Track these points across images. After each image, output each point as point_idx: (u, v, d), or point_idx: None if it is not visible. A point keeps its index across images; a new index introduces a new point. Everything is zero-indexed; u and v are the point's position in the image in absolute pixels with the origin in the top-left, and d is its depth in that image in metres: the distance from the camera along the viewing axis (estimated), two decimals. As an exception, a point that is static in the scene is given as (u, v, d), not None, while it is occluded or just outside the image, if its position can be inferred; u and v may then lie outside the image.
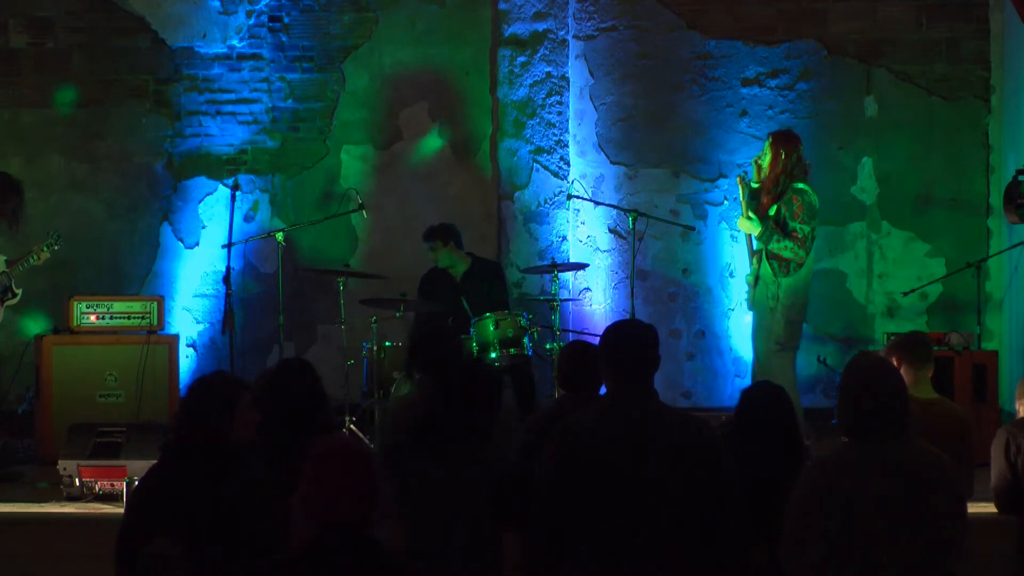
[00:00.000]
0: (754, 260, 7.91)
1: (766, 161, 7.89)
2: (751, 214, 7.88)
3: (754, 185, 7.98)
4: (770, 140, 7.96)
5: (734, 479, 4.26)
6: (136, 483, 4.35)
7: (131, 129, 9.68)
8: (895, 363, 5.69)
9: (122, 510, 4.90)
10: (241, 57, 9.69)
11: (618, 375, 4.34)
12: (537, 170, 9.51)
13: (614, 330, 4.49)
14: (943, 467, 4.21)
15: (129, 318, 8.68)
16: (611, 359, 4.37)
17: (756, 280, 7.87)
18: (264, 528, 4.02)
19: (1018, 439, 5.88)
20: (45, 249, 8.27)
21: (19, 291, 8.21)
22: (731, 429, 4.77)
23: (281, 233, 8.63)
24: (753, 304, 7.98)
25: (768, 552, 4.43)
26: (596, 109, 9.62)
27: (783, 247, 7.71)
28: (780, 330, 7.75)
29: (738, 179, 8.16)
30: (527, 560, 4.37)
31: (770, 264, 7.76)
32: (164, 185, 9.69)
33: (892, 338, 6.66)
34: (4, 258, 8.13)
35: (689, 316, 9.63)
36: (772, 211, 7.77)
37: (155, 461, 4.38)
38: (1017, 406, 6.18)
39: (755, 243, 7.91)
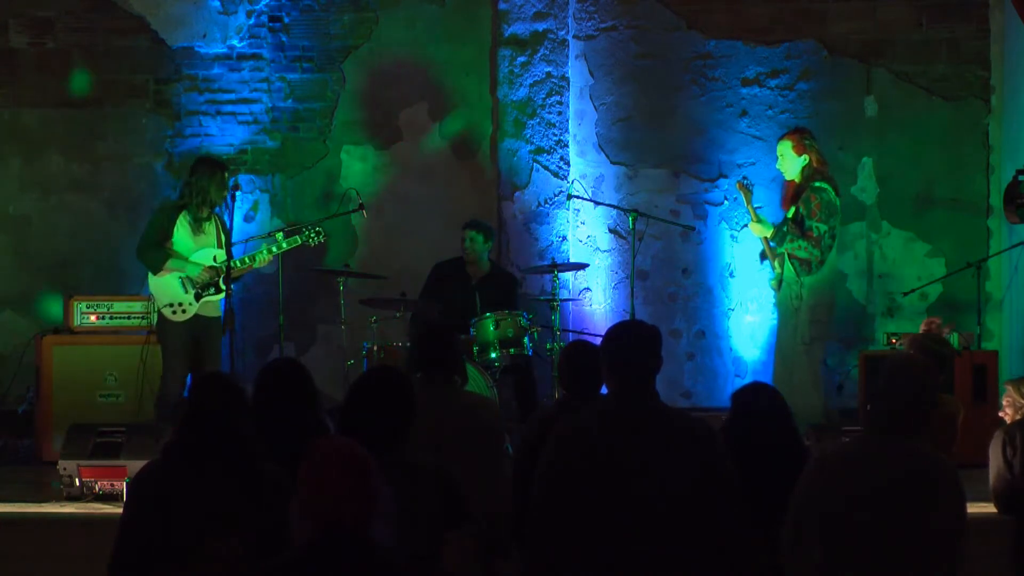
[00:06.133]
0: (776, 263, 7.92)
1: (792, 165, 7.86)
2: (760, 216, 7.88)
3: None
4: (791, 143, 7.92)
5: (734, 479, 4.26)
6: (136, 482, 4.31)
7: (131, 129, 9.68)
8: None
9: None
10: (241, 57, 9.69)
11: (619, 375, 4.34)
12: (537, 170, 9.51)
13: (616, 331, 4.49)
14: (948, 471, 4.21)
15: (129, 318, 8.67)
16: (612, 359, 4.37)
17: (780, 283, 7.88)
18: (278, 525, 4.00)
19: (1015, 440, 5.91)
20: (266, 252, 8.22)
21: (224, 287, 8.09)
22: (725, 432, 4.74)
23: (281, 233, 8.63)
24: (778, 306, 8.01)
25: (768, 553, 4.44)
26: (596, 109, 9.62)
27: (797, 247, 7.74)
28: (805, 329, 7.79)
29: (738, 185, 8.17)
30: (526, 561, 4.37)
31: (792, 264, 7.77)
32: (164, 185, 9.68)
33: (926, 338, 6.59)
34: (216, 253, 8.09)
35: (689, 316, 9.63)
36: (791, 212, 7.79)
37: (156, 459, 4.36)
38: (1004, 405, 6.24)
39: (774, 246, 7.93)
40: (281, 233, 8.40)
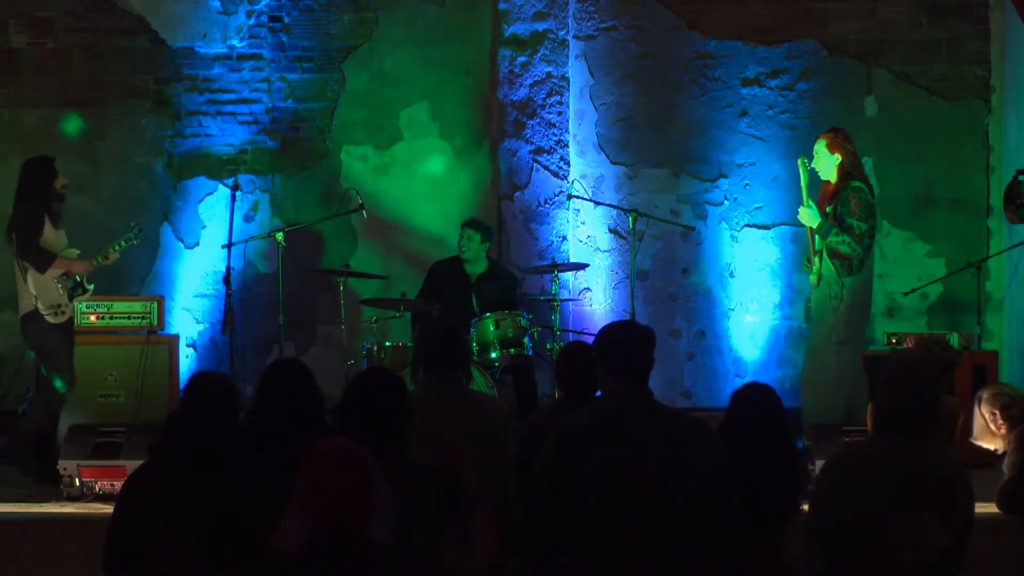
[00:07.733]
0: (816, 259, 7.86)
1: (827, 164, 7.80)
2: (810, 203, 7.83)
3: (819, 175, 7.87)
4: (824, 142, 7.84)
5: (733, 479, 4.26)
6: (128, 483, 4.30)
7: (131, 129, 9.69)
8: None
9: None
10: (241, 57, 9.69)
11: (614, 377, 4.33)
12: (537, 170, 9.51)
13: (612, 330, 4.48)
14: (957, 472, 4.20)
15: (129, 318, 8.68)
16: (606, 361, 4.36)
17: (819, 280, 7.83)
18: (268, 528, 4.00)
19: None
20: (116, 249, 8.16)
21: (90, 287, 8.09)
22: (723, 431, 4.74)
23: (281, 233, 8.63)
24: (814, 305, 7.96)
25: (768, 552, 4.43)
26: (596, 109, 9.62)
27: (841, 240, 7.69)
28: (843, 328, 7.74)
29: (800, 161, 8.00)
30: (525, 561, 4.37)
31: (833, 263, 7.74)
32: (164, 185, 9.69)
33: (930, 340, 6.64)
34: (77, 252, 8.06)
35: (689, 316, 9.63)
36: (829, 209, 7.77)
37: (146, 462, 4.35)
38: (980, 414, 6.15)
39: (816, 242, 7.86)
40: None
